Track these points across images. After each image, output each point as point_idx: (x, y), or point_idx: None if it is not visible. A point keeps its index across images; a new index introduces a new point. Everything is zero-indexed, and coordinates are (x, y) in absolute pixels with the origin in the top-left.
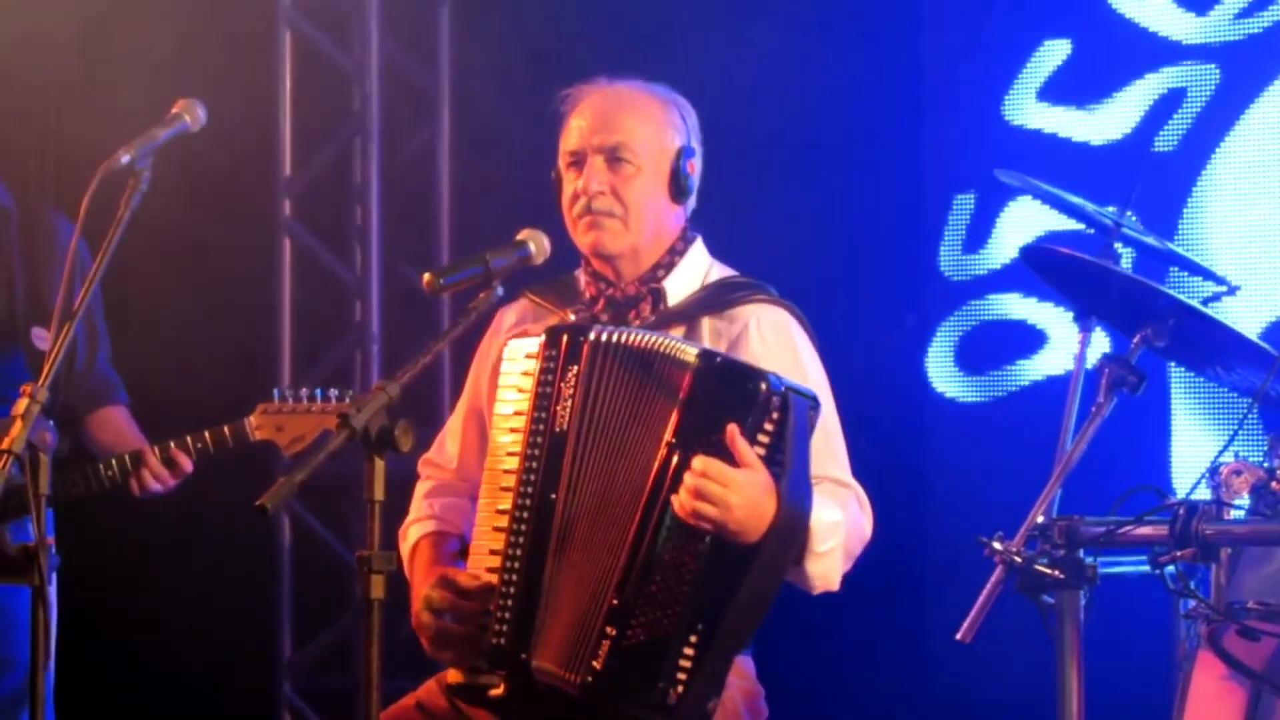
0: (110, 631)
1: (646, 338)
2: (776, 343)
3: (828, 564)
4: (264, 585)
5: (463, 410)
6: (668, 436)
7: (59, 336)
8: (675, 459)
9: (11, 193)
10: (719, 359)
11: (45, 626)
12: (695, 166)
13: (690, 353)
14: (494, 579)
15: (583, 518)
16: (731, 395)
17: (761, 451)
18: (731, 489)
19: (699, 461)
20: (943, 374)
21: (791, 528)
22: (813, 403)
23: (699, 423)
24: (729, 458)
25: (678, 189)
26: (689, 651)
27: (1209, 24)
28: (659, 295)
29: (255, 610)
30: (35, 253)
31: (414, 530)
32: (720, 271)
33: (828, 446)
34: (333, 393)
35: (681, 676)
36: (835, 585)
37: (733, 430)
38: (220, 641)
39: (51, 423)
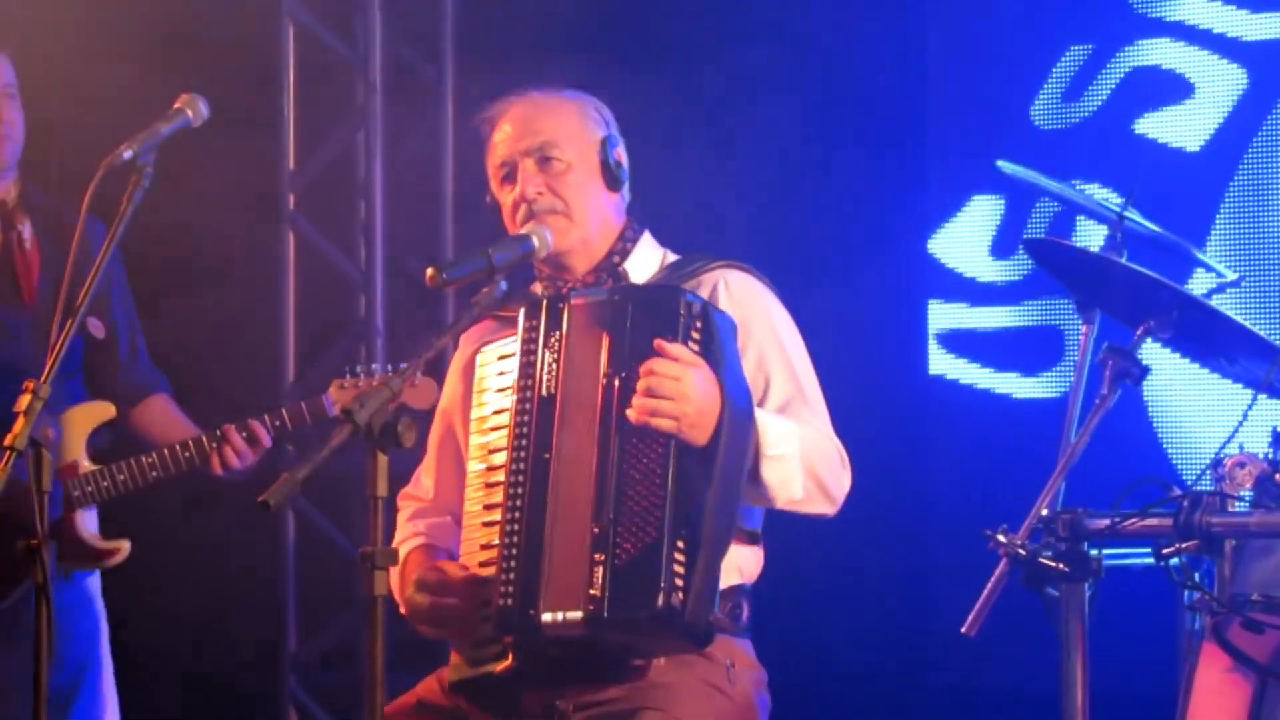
0: (115, 627)
1: (604, 293)
2: (746, 300)
3: (785, 470)
4: (269, 581)
5: (434, 442)
6: (604, 368)
7: (63, 333)
8: (617, 382)
9: (44, 193)
10: (635, 287)
11: (49, 624)
12: (622, 156)
13: (610, 291)
14: (487, 572)
15: (570, 470)
16: (655, 314)
17: (696, 351)
18: (684, 381)
19: (648, 365)
20: (948, 365)
21: (739, 417)
22: (731, 323)
23: (632, 346)
24: None
25: (610, 177)
26: (680, 557)
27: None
28: (619, 277)
29: (260, 606)
30: (80, 250)
31: (402, 549)
32: (675, 257)
33: (802, 398)
34: (403, 366)
35: (679, 583)
36: (798, 495)
37: (659, 342)
38: (225, 637)
39: (55, 418)
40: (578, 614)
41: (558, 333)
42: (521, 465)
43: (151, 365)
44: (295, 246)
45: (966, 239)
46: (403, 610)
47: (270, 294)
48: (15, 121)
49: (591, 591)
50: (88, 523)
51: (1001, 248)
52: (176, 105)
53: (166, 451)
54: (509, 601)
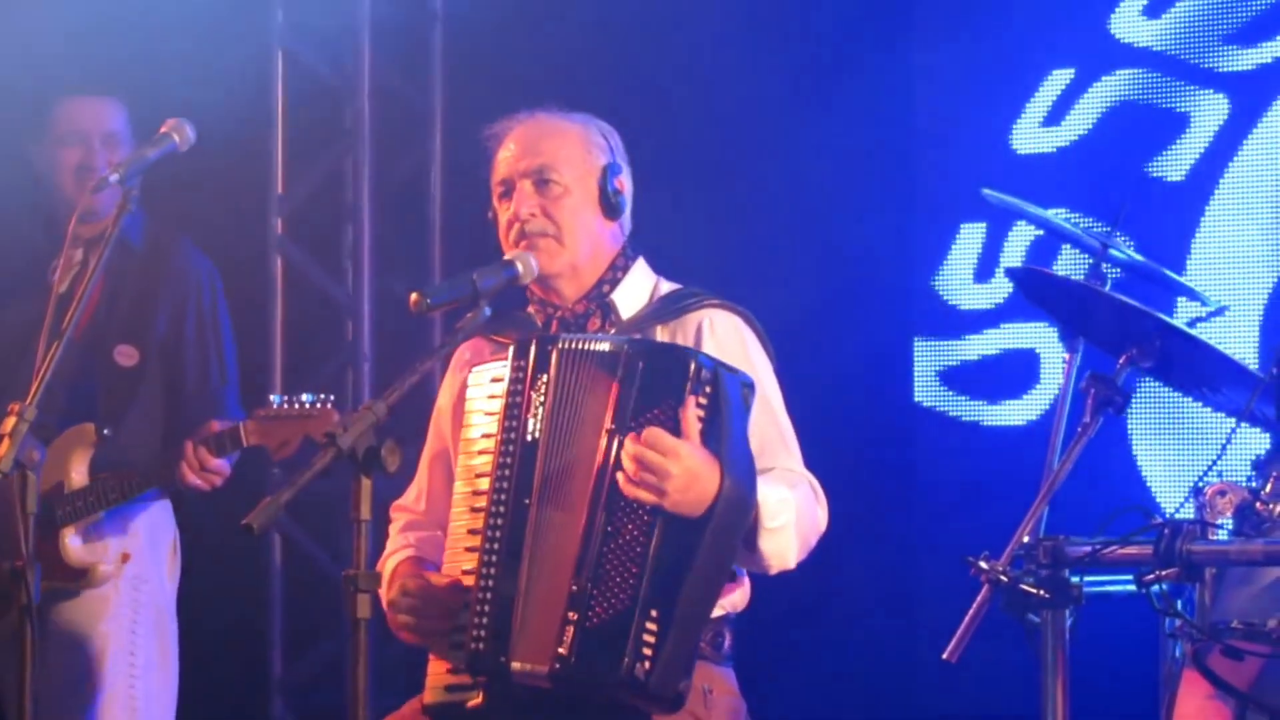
0: None
1: (598, 340)
2: (727, 342)
3: (781, 541)
4: (255, 603)
5: (428, 456)
6: (608, 423)
7: (48, 354)
8: (616, 441)
9: (144, 228)
10: (647, 342)
11: (34, 645)
12: (624, 184)
13: (620, 342)
14: (470, 580)
15: (552, 519)
16: (663, 373)
17: (699, 424)
18: (670, 458)
19: (646, 432)
20: (933, 394)
21: (738, 497)
22: (745, 381)
23: (636, 404)
24: (669, 429)
25: (608, 206)
26: (651, 627)
27: (1212, 52)
28: (609, 309)
29: (246, 628)
30: (147, 280)
31: (391, 560)
32: (669, 286)
33: (780, 440)
34: (324, 397)
35: (647, 652)
36: (791, 564)
37: (688, 403)
38: (211, 659)
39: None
40: (544, 669)
41: (545, 375)
42: (501, 509)
43: (223, 401)
44: (283, 271)
45: (956, 268)
46: (388, 618)
47: (258, 318)
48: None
49: (560, 650)
50: (71, 541)
51: (982, 272)
52: (163, 130)
53: (124, 474)
54: (480, 646)
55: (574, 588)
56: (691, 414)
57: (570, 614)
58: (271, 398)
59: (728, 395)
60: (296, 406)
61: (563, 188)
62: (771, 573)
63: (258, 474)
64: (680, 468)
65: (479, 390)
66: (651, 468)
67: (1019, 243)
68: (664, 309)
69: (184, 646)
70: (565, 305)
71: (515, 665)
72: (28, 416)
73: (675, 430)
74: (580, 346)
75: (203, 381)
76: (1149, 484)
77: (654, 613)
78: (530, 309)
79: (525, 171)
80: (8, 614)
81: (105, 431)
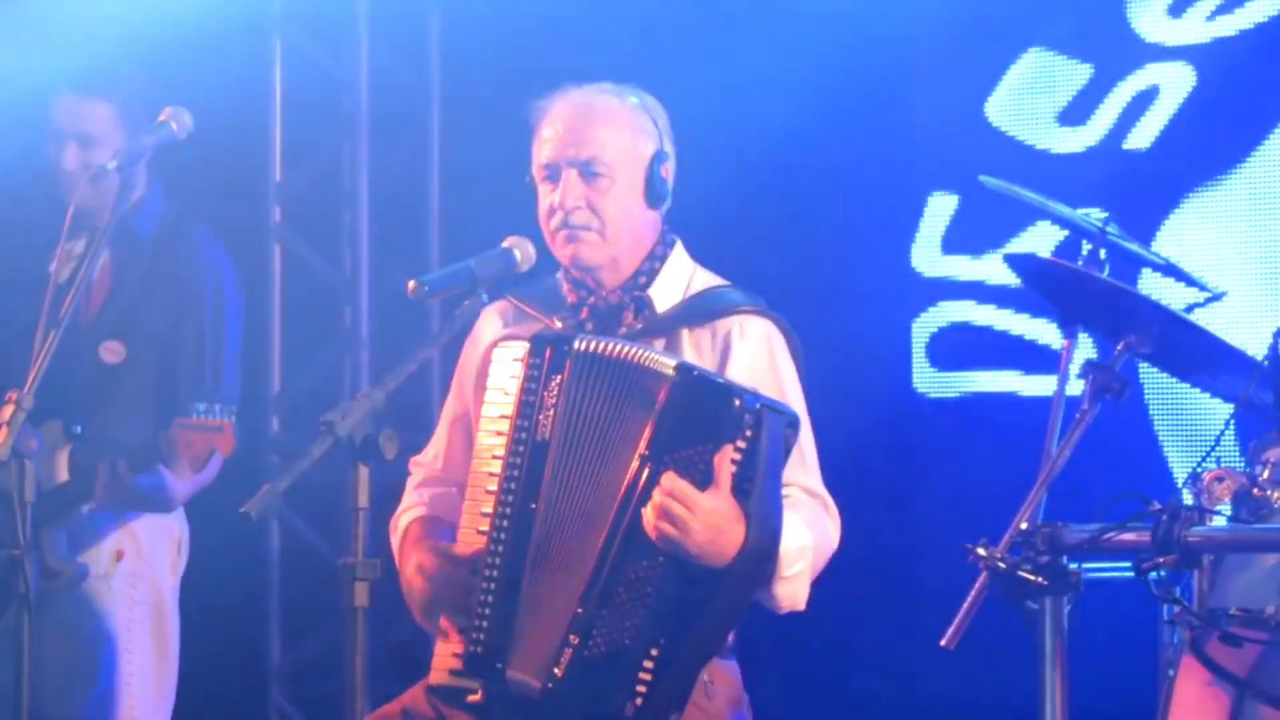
0: None
1: (629, 349)
2: (757, 351)
3: (794, 587)
4: (253, 590)
5: (448, 416)
6: (641, 448)
7: (44, 345)
8: (646, 471)
9: (159, 221)
10: (696, 373)
11: (31, 635)
12: (669, 170)
13: (668, 365)
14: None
15: (561, 527)
16: (706, 410)
17: (733, 469)
18: (695, 513)
19: (667, 479)
20: (930, 379)
21: (761, 553)
22: (790, 421)
23: (672, 436)
24: (700, 473)
25: (653, 195)
26: (649, 665)
27: (1190, 27)
28: (643, 303)
29: (244, 615)
30: (152, 275)
31: (405, 517)
32: (704, 278)
33: (799, 456)
34: (229, 409)
35: (640, 689)
36: (802, 606)
37: (725, 451)
38: (209, 646)
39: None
40: (537, 684)
41: (559, 377)
42: (507, 510)
43: (217, 397)
44: (281, 258)
45: (928, 238)
46: (404, 590)
47: (256, 305)
48: (84, 168)
49: (555, 670)
50: (54, 539)
51: (958, 244)
52: (161, 118)
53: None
54: (478, 649)
55: (580, 610)
56: (726, 461)
57: (572, 637)
58: (198, 405)
59: (768, 440)
60: (209, 419)
61: (610, 180)
62: (781, 613)
63: (255, 461)
64: (702, 524)
65: (501, 368)
66: (674, 519)
67: (996, 216)
68: (695, 311)
69: (182, 634)
70: (600, 293)
71: (510, 672)
72: (25, 405)
73: (708, 474)
74: (601, 351)
75: (194, 391)
76: (1148, 469)
77: (655, 652)
78: (564, 282)
79: (572, 160)
80: (7, 607)
81: (76, 429)
